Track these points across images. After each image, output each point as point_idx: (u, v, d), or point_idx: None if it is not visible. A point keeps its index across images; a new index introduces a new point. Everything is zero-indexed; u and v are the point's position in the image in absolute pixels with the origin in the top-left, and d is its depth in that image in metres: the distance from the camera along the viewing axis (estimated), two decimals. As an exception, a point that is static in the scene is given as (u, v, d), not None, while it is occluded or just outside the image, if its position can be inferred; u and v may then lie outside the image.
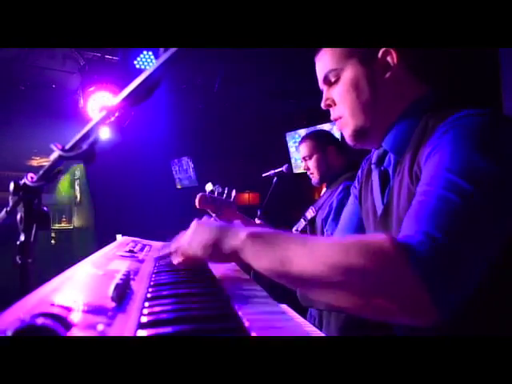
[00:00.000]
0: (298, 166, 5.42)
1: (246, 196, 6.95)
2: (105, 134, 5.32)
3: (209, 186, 1.74)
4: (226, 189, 1.69)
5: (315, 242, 0.71)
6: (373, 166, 1.03)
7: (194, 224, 0.91)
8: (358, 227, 1.14)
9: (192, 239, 0.88)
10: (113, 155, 6.04)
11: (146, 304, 0.68)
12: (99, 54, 4.29)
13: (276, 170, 2.95)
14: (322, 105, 1.02)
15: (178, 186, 7.31)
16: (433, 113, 0.83)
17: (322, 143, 2.25)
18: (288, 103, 5.52)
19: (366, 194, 1.08)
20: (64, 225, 7.92)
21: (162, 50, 0.53)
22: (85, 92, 4.10)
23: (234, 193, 1.71)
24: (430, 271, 0.59)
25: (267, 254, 0.72)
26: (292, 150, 5.76)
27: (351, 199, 1.22)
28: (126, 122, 5.75)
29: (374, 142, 0.98)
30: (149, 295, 0.73)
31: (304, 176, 2.58)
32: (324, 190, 2.41)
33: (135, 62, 4.03)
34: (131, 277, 0.81)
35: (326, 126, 4.01)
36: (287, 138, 5.82)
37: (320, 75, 1.00)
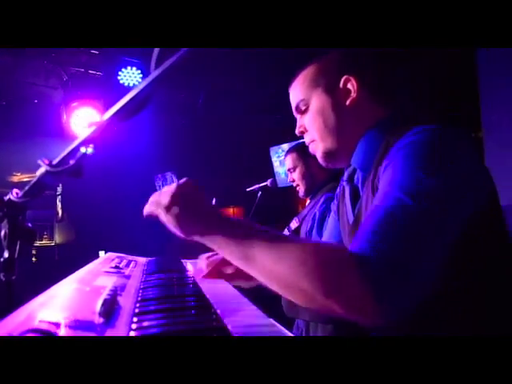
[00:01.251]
0: (282, 180, 5.44)
1: (230, 211, 6.94)
2: (88, 150, 5.30)
3: None
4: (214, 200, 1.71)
5: (279, 243, 0.75)
6: (344, 183, 1.11)
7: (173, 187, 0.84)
8: (339, 240, 1.19)
9: (168, 207, 0.80)
10: (95, 171, 5.98)
11: (135, 319, 0.67)
12: (82, 70, 4.28)
13: (260, 185, 2.96)
14: (296, 132, 1.10)
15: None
16: (393, 131, 0.89)
17: (304, 155, 2.26)
18: (272, 118, 5.56)
19: (342, 209, 1.15)
20: (45, 242, 7.78)
21: (152, 66, 0.53)
22: (68, 107, 4.07)
23: (213, 201, 1.73)
24: (373, 278, 0.65)
25: (235, 248, 0.77)
26: (276, 164, 5.79)
27: (332, 214, 1.29)
28: (108, 137, 5.71)
29: (343, 162, 1.06)
30: (137, 310, 0.73)
31: (288, 190, 2.59)
32: (308, 201, 2.42)
33: (119, 78, 4.03)
34: (118, 292, 0.80)
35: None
36: (271, 153, 5.86)
37: (292, 105, 1.09)
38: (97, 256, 1.53)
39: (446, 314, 0.82)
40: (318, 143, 1.04)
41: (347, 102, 1.00)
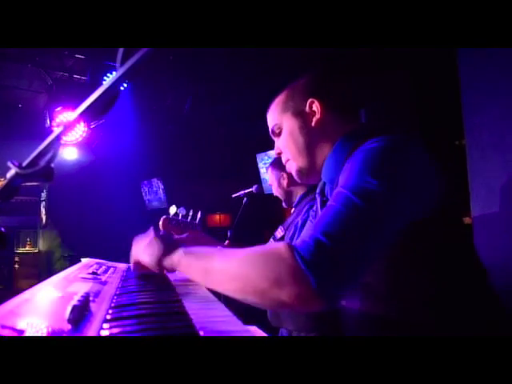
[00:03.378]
0: (269, 187, 5.44)
1: (216, 217, 6.91)
2: (72, 154, 5.25)
3: (172, 209, 1.77)
4: (191, 211, 1.72)
5: (231, 255, 0.86)
6: (316, 196, 1.19)
7: (149, 235, 1.11)
8: None
9: (143, 252, 1.09)
10: (81, 176, 5.93)
11: (105, 325, 0.65)
12: (67, 74, 4.24)
13: (246, 191, 2.94)
14: (274, 153, 1.20)
15: (150, 207, 7.21)
16: (357, 144, 0.94)
17: (276, 170, 2.34)
18: (258, 125, 5.57)
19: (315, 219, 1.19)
20: (29, 248, 7.66)
21: (117, 65, 0.52)
22: (51, 112, 4.03)
23: (199, 214, 1.74)
24: (313, 269, 0.71)
25: (196, 267, 0.92)
26: (262, 170, 5.78)
27: (308, 223, 1.35)
28: (94, 142, 5.67)
29: (316, 177, 1.13)
30: (108, 317, 0.70)
31: (275, 196, 2.58)
32: (293, 209, 2.43)
33: (104, 83, 4.00)
34: (91, 298, 0.78)
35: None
36: (258, 159, 5.85)
37: (269, 129, 1.19)
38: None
39: (396, 312, 0.88)
40: (291, 163, 1.14)
41: (313, 123, 1.08)
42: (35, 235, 7.62)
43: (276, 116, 1.15)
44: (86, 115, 0.54)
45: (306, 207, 2.11)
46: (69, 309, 0.64)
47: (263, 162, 5.73)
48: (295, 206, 2.35)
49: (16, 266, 7.23)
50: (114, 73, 4.02)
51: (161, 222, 1.72)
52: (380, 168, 0.83)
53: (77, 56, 4.03)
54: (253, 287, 0.77)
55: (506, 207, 2.47)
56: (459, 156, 2.80)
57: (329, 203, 0.82)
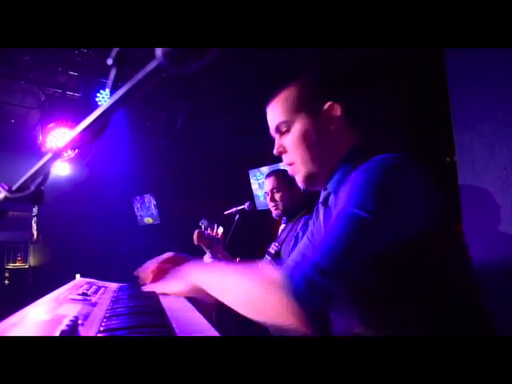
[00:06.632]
0: (261, 203, 5.45)
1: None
2: (65, 170, 5.23)
3: (203, 223, 2.09)
4: (215, 225, 1.99)
5: (233, 278, 0.93)
6: (319, 206, 1.15)
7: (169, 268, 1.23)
8: None
9: (172, 287, 1.17)
10: (73, 192, 5.91)
11: (93, 352, 0.64)
12: (60, 91, 4.25)
13: (238, 208, 2.94)
14: (275, 151, 1.11)
15: (142, 223, 7.17)
16: (362, 158, 0.92)
17: (290, 182, 2.33)
18: (250, 141, 5.59)
19: (316, 230, 1.19)
20: (19, 264, 7.58)
21: (109, 90, 0.53)
22: (44, 128, 4.03)
23: (220, 229, 1.99)
24: (304, 305, 0.76)
25: (211, 288, 0.99)
26: (255, 187, 5.79)
27: (306, 233, 1.32)
28: (86, 158, 5.67)
29: (321, 185, 1.09)
30: (97, 342, 0.70)
31: (267, 213, 2.57)
32: (282, 226, 2.45)
33: (97, 99, 4.01)
34: (80, 322, 0.77)
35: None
36: (250, 175, 5.86)
37: (271, 125, 1.10)
38: (73, 279, 1.50)
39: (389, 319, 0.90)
40: (299, 166, 1.06)
41: (331, 128, 1.03)
42: (26, 251, 7.54)
43: (285, 113, 1.06)
44: (77, 142, 0.55)
45: (304, 220, 2.14)
46: (57, 334, 0.63)
47: (255, 178, 5.74)
48: (288, 222, 2.37)
49: (6, 281, 7.14)
50: (107, 90, 4.04)
51: (195, 236, 1.97)
52: (378, 193, 0.82)
53: (70, 73, 4.05)
54: (257, 315, 0.84)
55: (497, 223, 2.48)
56: (450, 172, 2.83)
57: (327, 229, 0.83)
